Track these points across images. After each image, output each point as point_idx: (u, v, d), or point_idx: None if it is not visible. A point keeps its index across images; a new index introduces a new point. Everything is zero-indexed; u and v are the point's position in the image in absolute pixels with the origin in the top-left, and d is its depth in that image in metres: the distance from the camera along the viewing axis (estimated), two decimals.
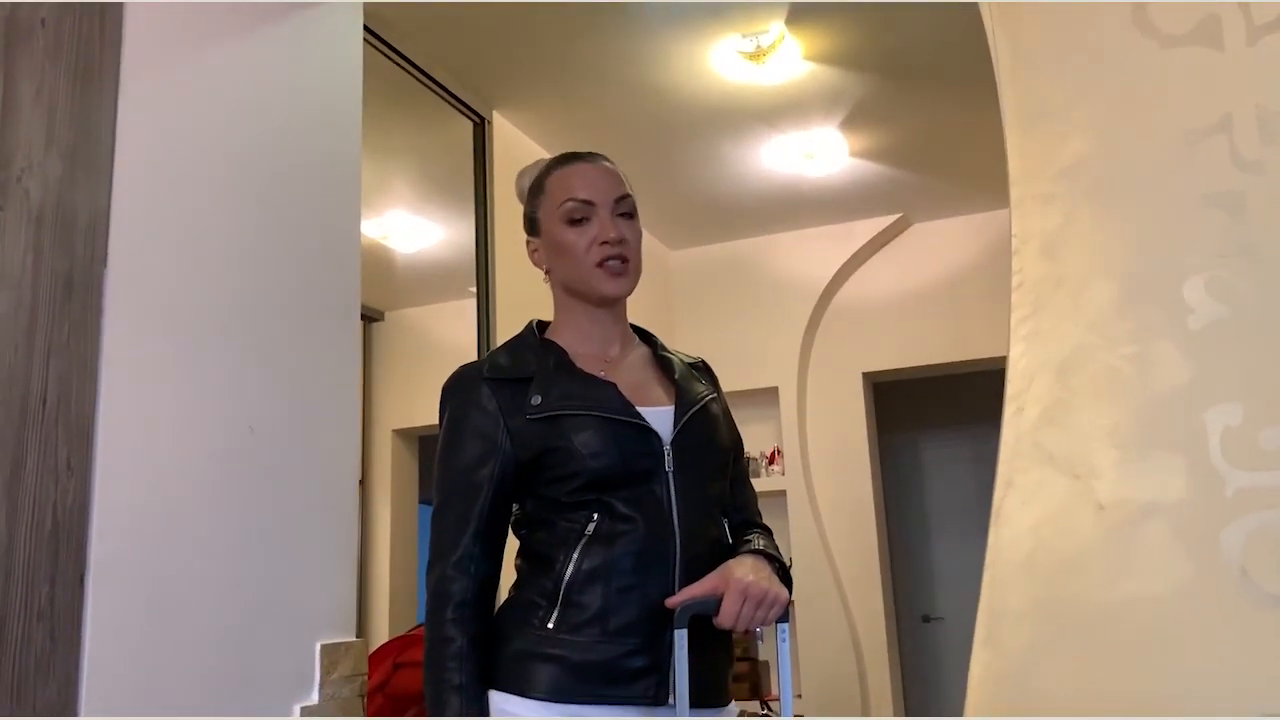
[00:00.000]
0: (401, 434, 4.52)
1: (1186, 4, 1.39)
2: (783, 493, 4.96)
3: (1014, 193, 1.43)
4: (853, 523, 5.01)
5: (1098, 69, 1.43)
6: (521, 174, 1.62)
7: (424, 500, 4.83)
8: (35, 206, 1.38)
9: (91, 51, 1.49)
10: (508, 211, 3.78)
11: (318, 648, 1.78)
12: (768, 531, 1.62)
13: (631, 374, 1.56)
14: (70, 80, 1.45)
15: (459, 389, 1.52)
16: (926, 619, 5.96)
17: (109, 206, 1.49)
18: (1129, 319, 1.35)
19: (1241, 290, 1.31)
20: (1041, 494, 1.34)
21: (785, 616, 1.45)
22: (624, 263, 1.52)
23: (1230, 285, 1.31)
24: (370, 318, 4.09)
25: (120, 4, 1.53)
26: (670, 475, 1.47)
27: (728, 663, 1.54)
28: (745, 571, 1.42)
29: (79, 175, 1.45)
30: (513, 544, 1.52)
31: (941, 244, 5.09)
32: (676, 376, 1.58)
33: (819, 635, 4.86)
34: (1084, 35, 1.44)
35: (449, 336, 4.36)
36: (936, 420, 6.15)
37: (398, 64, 3.29)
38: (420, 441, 4.65)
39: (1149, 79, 1.40)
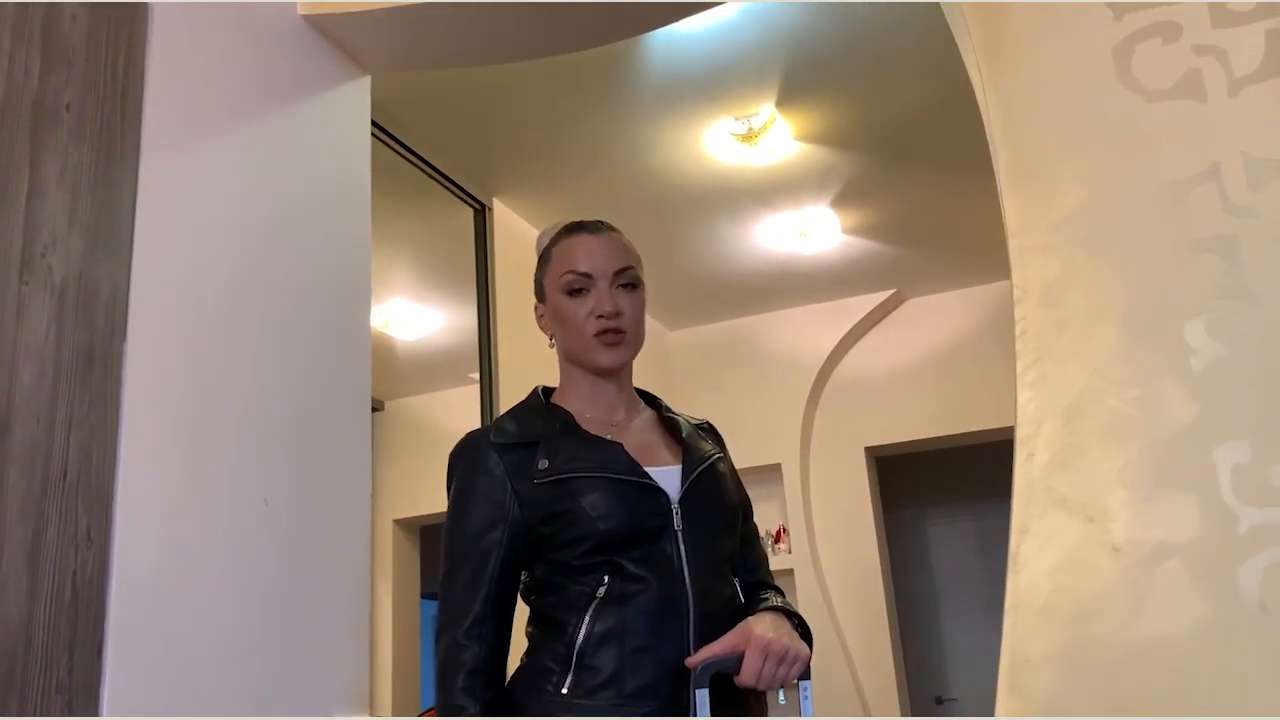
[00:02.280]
0: (403, 524, 4.49)
1: (1168, 60, 1.44)
2: (790, 571, 4.91)
3: (1012, 245, 1.46)
4: (862, 601, 4.96)
5: (1087, 124, 1.48)
6: (541, 235, 1.66)
7: (425, 594, 4.78)
8: (58, 282, 1.41)
9: (113, 134, 1.54)
10: (510, 298, 3.82)
11: None
12: (780, 593, 1.62)
13: (638, 436, 1.57)
14: (93, 161, 1.50)
15: (466, 455, 1.53)
16: (939, 700, 5.85)
17: (128, 282, 1.52)
18: (1132, 362, 1.37)
19: (1241, 331, 1.33)
20: (1056, 538, 1.34)
21: (807, 674, 1.44)
22: (619, 334, 1.55)
23: (1230, 326, 1.34)
24: (371, 407, 4.09)
25: (141, 87, 1.59)
26: (680, 534, 1.47)
27: None
28: (765, 628, 1.42)
29: (100, 252, 1.48)
30: (522, 612, 1.51)
31: (936, 318, 5.15)
32: (683, 436, 1.59)
33: (832, 714, 4.76)
34: (1072, 93, 1.50)
35: (450, 424, 4.35)
36: (941, 496, 6.13)
37: (398, 153, 3.36)
38: (422, 531, 4.62)
39: (1137, 132, 1.45)
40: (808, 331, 5.23)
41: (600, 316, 1.53)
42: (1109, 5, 1.50)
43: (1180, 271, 1.38)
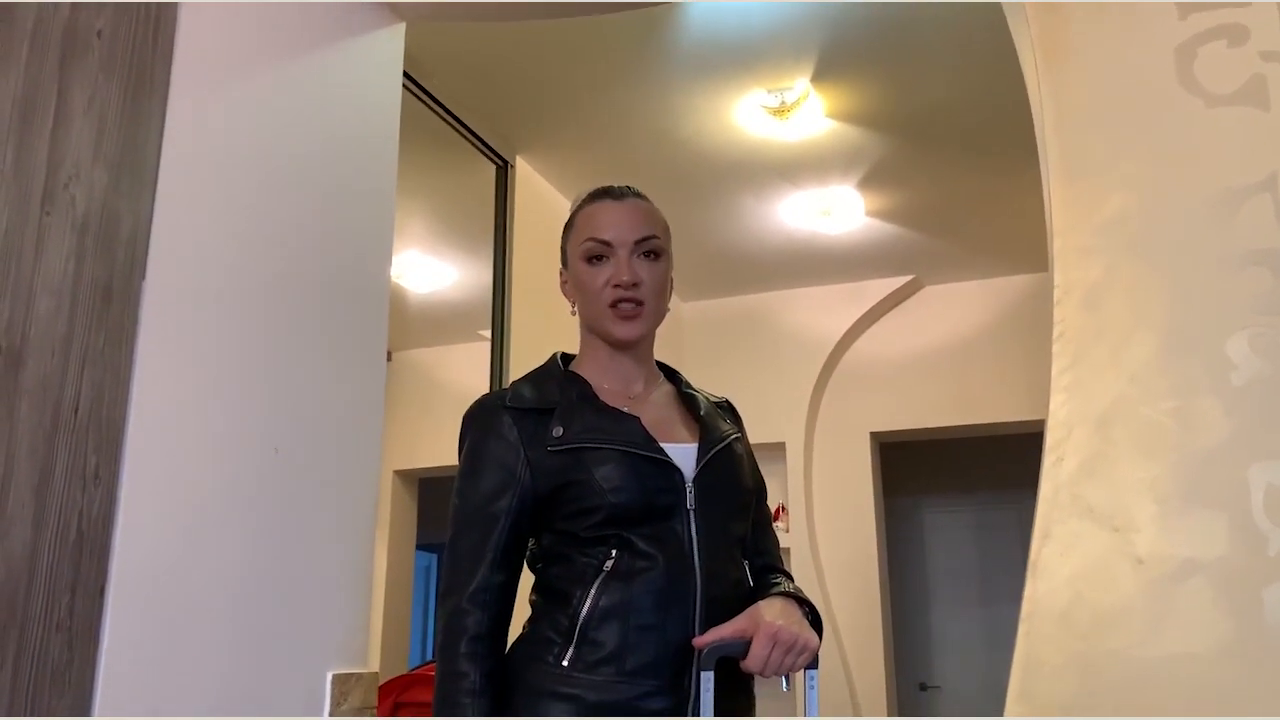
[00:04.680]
0: (403, 475, 4.49)
1: (1232, 64, 1.40)
2: (786, 550, 4.91)
3: (1056, 244, 1.43)
4: (856, 584, 4.95)
5: (1143, 125, 1.44)
6: (573, 203, 1.62)
7: (421, 545, 4.78)
8: (80, 214, 1.38)
9: (144, 66, 1.50)
10: (526, 256, 3.78)
11: (329, 677, 1.75)
12: (790, 578, 1.60)
13: (656, 410, 1.54)
14: (121, 93, 1.46)
15: (480, 417, 1.50)
16: (923, 687, 5.88)
17: (150, 219, 1.49)
18: (1170, 373, 1.34)
19: None
20: (1080, 546, 1.32)
21: (815, 663, 1.42)
22: (636, 305, 1.51)
23: (1274, 342, 1.31)
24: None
25: (174, 19, 1.55)
26: (692, 513, 1.44)
27: (748, 709, 1.50)
28: (775, 614, 1.40)
29: (123, 186, 1.45)
30: (526, 580, 1.49)
31: (952, 307, 5.10)
32: (701, 413, 1.56)
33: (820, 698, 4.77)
34: (1130, 93, 1.46)
35: (455, 379, 4.34)
36: (940, 485, 6.13)
37: (424, 103, 3.31)
38: (421, 484, 4.61)
39: (1193, 137, 1.41)
40: (822, 312, 5.19)
41: (617, 285, 1.49)
42: (1175, 4, 1.45)
43: (1226, 283, 1.35)
